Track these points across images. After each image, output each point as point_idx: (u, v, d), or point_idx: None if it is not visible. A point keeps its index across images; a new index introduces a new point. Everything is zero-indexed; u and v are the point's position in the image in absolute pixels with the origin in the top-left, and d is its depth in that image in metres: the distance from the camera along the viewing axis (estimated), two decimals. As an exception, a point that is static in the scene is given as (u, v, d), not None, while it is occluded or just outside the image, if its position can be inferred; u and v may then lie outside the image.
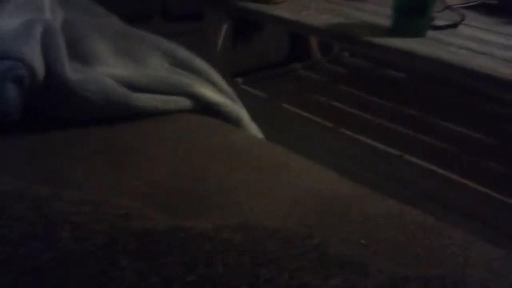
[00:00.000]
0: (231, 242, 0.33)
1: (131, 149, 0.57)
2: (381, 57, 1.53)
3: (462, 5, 1.49)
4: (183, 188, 0.49)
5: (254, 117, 0.77)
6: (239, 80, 1.75)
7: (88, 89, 0.61)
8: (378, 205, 0.50)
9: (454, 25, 1.27)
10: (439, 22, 1.26)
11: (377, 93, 1.71)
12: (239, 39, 1.93)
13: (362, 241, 0.40)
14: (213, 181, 0.51)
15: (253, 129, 0.75)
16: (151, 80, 0.69)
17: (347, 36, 1.19)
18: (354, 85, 1.81)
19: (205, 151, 0.59)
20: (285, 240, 0.34)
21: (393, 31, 1.17)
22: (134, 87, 0.67)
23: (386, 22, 1.22)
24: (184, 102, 0.69)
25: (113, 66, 0.70)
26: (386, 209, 0.49)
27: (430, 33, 1.18)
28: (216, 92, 0.73)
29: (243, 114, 0.75)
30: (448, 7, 1.43)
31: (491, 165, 1.33)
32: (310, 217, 0.46)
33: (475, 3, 1.52)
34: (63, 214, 0.33)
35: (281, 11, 1.32)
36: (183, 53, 0.77)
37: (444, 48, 1.09)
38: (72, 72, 0.60)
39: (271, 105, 1.67)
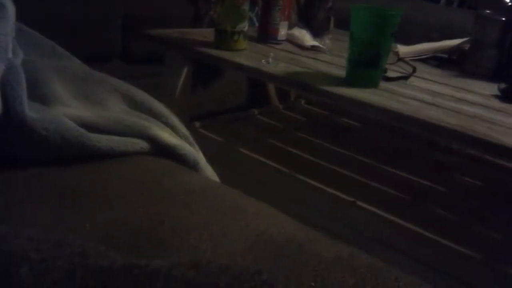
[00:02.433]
0: (184, 278, 0.33)
1: (87, 190, 0.57)
2: (336, 105, 1.57)
3: (414, 58, 1.56)
4: (138, 230, 0.50)
5: (211, 161, 0.78)
6: (197, 123, 1.77)
7: (46, 128, 0.61)
8: (330, 249, 0.51)
9: (406, 77, 1.33)
10: (391, 74, 1.31)
11: (331, 140, 1.75)
12: (199, 83, 1.95)
13: (312, 284, 0.41)
14: (168, 223, 0.52)
15: (209, 172, 0.76)
16: (109, 122, 0.69)
17: (303, 84, 1.22)
18: (309, 132, 1.85)
19: (160, 193, 0.59)
20: (236, 276, 0.35)
21: (347, 81, 1.21)
22: (92, 128, 0.67)
23: (341, 72, 1.26)
24: (141, 144, 0.70)
25: (71, 107, 0.70)
26: (337, 253, 0.50)
27: (383, 84, 1.23)
28: (173, 135, 0.74)
29: (200, 158, 0.76)
30: (401, 60, 1.50)
31: (440, 212, 1.37)
32: (263, 259, 0.47)
33: (426, 56, 1.60)
34: (22, 251, 0.34)
35: (241, 59, 1.35)
36: (142, 95, 0.78)
37: (396, 98, 1.13)
38: (30, 110, 0.61)
39: (228, 149, 1.69)
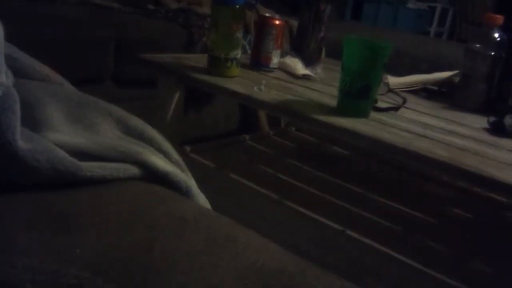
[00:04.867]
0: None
1: (79, 216, 0.57)
2: (326, 134, 1.58)
3: (404, 89, 1.57)
4: (128, 258, 0.49)
5: (201, 186, 0.78)
6: (188, 148, 1.77)
7: (37, 159, 0.60)
8: (321, 281, 0.51)
9: (396, 108, 1.34)
10: (382, 105, 1.32)
11: (322, 168, 1.76)
12: (190, 107, 1.96)
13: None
14: (158, 251, 0.51)
15: (201, 199, 0.76)
16: (101, 148, 0.69)
17: (295, 112, 1.23)
18: (299, 159, 1.85)
19: (151, 221, 0.59)
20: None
21: (338, 111, 1.22)
22: (84, 155, 0.66)
23: (332, 101, 1.27)
24: (133, 170, 0.70)
25: (64, 133, 0.70)
26: (327, 285, 0.50)
27: (374, 114, 1.23)
28: (166, 161, 0.74)
29: (192, 184, 0.75)
30: (391, 91, 1.51)
31: (430, 243, 1.37)
32: (255, 291, 0.47)
33: (416, 87, 1.61)
34: (19, 282, 0.33)
35: (234, 85, 1.36)
36: (135, 121, 0.78)
37: (386, 129, 1.14)
38: (22, 140, 0.60)
39: (218, 174, 1.68)
